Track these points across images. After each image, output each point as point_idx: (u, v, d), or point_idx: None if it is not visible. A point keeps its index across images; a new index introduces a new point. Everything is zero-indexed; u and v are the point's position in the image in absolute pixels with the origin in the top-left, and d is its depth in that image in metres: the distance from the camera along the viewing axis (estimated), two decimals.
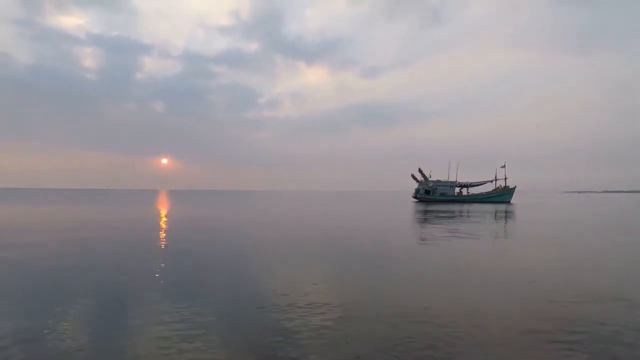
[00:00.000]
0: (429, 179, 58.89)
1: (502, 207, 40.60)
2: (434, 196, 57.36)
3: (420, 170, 59.19)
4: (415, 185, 59.68)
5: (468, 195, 58.42)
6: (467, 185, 58.84)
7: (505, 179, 57.19)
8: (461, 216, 25.47)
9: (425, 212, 30.64)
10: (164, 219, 22.41)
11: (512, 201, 55.53)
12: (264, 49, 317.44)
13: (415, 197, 58.98)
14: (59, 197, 69.14)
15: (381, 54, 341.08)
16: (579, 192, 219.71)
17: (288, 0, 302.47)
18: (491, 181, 57.72)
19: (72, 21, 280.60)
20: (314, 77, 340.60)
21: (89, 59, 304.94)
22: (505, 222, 21.00)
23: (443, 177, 59.32)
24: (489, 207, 38.72)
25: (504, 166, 57.27)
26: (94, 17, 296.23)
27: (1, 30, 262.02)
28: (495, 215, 26.23)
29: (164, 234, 14.54)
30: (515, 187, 56.60)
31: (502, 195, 56.22)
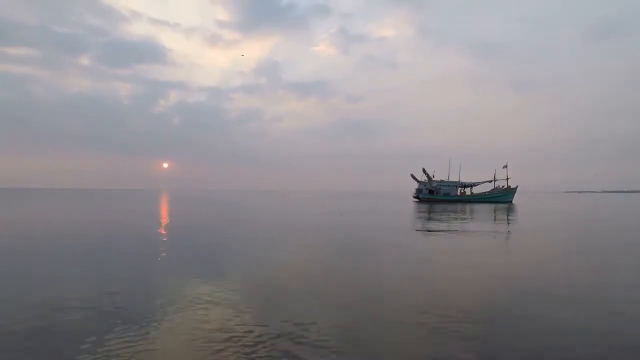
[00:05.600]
0: (432, 179, 59.70)
1: (503, 206, 41.91)
2: (437, 196, 58.18)
3: (424, 170, 59.67)
4: (416, 185, 59.94)
5: (470, 195, 59.46)
6: (470, 185, 59.89)
7: (507, 179, 58.18)
8: (464, 215, 26.81)
9: (429, 211, 31.96)
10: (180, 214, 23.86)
11: (513, 201, 56.68)
12: (269, 85, 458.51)
13: (416, 197, 59.15)
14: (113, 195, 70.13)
15: (360, 87, 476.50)
16: (579, 192, 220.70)
17: (287, 55, 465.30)
18: (495, 181, 58.77)
19: (128, 71, 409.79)
20: (308, 102, 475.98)
21: (127, 90, 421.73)
22: (497, 221, 22.37)
23: (441, 177, 60.16)
24: (491, 207, 40.08)
25: (505, 166, 58.32)
26: (145, 68, 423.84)
27: (71, 74, 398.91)
28: (495, 214, 27.61)
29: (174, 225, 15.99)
30: (517, 187, 57.69)
31: (503, 196, 57.24)
